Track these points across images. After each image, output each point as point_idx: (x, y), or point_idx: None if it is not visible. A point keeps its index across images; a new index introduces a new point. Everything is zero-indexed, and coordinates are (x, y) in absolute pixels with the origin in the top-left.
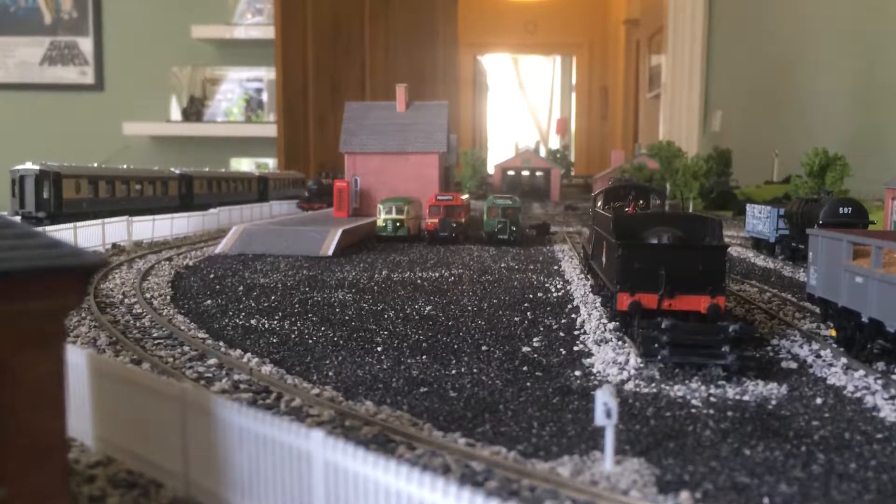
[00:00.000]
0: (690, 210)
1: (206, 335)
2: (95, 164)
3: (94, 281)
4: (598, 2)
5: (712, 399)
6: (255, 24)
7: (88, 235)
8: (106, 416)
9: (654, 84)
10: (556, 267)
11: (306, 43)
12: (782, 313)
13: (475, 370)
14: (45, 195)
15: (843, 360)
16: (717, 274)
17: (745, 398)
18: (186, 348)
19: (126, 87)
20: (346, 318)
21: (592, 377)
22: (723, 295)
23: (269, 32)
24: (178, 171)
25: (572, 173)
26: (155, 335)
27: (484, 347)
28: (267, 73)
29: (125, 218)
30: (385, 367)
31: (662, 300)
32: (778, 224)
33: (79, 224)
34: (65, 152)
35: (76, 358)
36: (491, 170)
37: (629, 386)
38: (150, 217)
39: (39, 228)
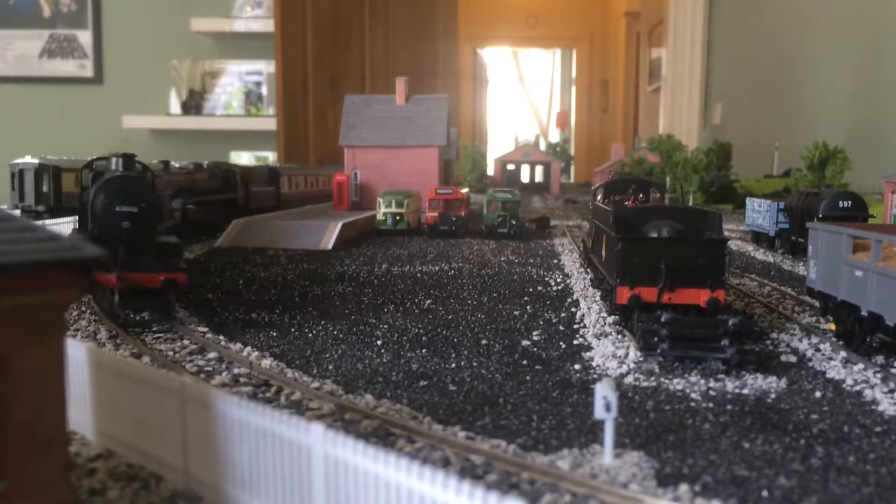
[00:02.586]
0: (690, 204)
1: (206, 329)
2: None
3: (93, 274)
4: None
5: (711, 392)
6: (255, 18)
7: None
8: (106, 410)
9: (655, 77)
10: (555, 260)
11: (306, 36)
12: (782, 307)
13: (475, 364)
14: (45, 189)
15: (843, 353)
16: (716, 268)
17: (745, 392)
18: (186, 342)
19: (125, 80)
20: (346, 311)
21: (592, 371)
22: (722, 289)
23: (268, 26)
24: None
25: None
26: (155, 329)
27: (484, 341)
28: (266, 67)
29: None
30: (385, 360)
31: (662, 294)
32: (778, 218)
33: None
34: (64, 145)
35: (76, 351)
36: (491, 164)
37: (629, 379)
38: None
39: (39, 222)
